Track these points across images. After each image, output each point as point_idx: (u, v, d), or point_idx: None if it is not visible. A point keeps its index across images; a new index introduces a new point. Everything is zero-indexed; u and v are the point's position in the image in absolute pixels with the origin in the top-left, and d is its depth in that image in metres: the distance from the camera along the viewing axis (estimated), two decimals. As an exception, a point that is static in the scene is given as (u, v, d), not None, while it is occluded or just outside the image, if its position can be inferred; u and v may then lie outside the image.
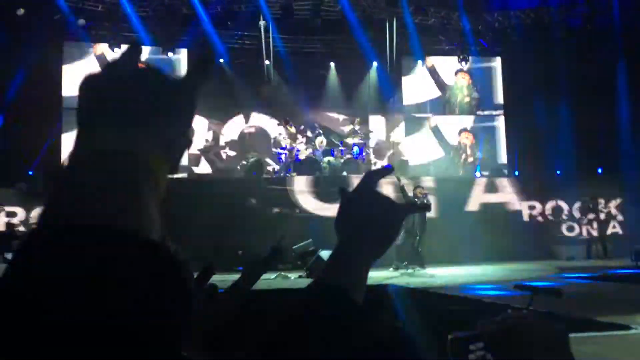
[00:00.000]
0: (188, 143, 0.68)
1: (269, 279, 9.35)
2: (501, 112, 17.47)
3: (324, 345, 0.77)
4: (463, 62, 17.23)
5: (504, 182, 15.50)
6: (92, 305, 0.49)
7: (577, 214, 15.36)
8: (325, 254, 10.83)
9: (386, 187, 11.95)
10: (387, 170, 0.97)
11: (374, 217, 0.87)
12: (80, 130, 0.63)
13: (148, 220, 0.59)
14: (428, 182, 14.41)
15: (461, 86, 17.59)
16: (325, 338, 0.77)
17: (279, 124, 15.47)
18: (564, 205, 15.41)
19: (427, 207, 9.86)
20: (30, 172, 13.59)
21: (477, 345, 1.15)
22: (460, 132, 17.43)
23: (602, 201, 15.15)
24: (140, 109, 0.64)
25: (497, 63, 17.54)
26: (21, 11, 11.85)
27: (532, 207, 15.28)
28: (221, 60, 16.19)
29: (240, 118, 17.09)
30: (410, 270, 11.40)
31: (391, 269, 11.39)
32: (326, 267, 0.85)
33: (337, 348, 0.77)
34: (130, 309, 0.49)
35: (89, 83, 0.65)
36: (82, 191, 0.58)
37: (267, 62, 16.23)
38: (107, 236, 0.54)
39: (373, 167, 15.02)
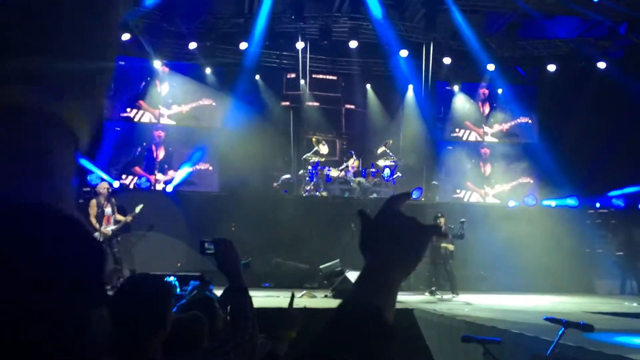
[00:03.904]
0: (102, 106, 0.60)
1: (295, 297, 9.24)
2: (537, 140, 17.19)
3: None
4: (499, 90, 17.10)
5: (541, 212, 15.13)
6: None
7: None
8: (352, 274, 10.70)
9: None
10: (407, 196, 1.03)
11: (402, 238, 0.93)
12: None
13: (60, 185, 0.52)
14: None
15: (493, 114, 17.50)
16: (359, 355, 0.79)
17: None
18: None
19: (446, 234, 9.83)
20: None
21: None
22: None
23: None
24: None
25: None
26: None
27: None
28: (257, 77, 16.33)
29: None
30: (439, 296, 11.23)
31: (426, 293, 11.43)
32: (358, 286, 0.88)
33: None
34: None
35: None
36: None
37: (302, 81, 16.31)
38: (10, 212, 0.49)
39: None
